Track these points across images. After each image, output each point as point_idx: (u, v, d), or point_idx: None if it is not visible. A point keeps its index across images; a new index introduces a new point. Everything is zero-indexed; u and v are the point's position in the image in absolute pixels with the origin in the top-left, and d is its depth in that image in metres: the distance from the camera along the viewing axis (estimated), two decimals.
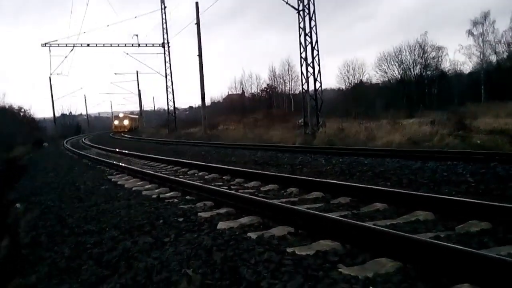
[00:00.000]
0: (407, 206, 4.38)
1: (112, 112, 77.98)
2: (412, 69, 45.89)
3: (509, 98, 29.06)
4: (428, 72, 45.79)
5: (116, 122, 69.83)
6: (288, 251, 3.16)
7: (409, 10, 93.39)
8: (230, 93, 68.06)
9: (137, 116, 68.42)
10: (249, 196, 5.18)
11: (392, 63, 46.38)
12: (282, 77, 58.61)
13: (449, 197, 4.47)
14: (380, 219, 4.13)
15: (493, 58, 45.58)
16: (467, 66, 51.05)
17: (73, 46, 35.01)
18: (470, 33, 45.52)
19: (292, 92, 55.39)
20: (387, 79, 47.06)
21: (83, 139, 39.37)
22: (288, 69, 57.42)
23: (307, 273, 2.67)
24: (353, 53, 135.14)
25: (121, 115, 71.91)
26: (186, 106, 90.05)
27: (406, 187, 5.90)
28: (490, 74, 42.30)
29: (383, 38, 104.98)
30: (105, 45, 35.72)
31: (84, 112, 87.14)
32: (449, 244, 2.72)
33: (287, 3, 20.81)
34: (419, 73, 45.70)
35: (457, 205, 4.05)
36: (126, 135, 47.32)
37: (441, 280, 2.47)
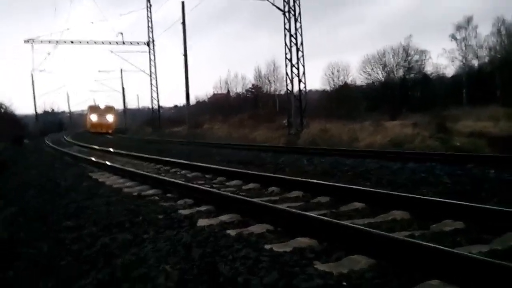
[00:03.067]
0: (384, 205, 4.47)
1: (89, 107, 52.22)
2: (395, 72, 46.37)
3: (489, 102, 29.62)
4: (411, 75, 46.33)
5: (94, 118, 48.10)
6: (266, 248, 3.21)
7: (396, 15, 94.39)
8: (215, 92, 67.89)
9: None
10: (229, 194, 5.22)
11: (376, 65, 46.79)
12: (268, 78, 58.67)
13: (425, 197, 4.57)
14: (358, 218, 4.21)
15: (475, 63, 46.39)
16: (449, 69, 51.79)
17: (57, 43, 34.59)
18: (453, 37, 46.24)
19: (277, 92, 55.57)
20: (371, 81, 47.47)
21: (64, 136, 38.87)
22: (274, 70, 57.49)
23: (283, 269, 2.72)
24: (339, 56, 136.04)
25: (102, 106, 50.05)
26: (171, 105, 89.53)
27: (385, 187, 5.99)
28: (472, 78, 43.03)
29: (369, 42, 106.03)
30: (89, 42, 35.40)
31: (67, 110, 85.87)
32: (421, 242, 2.80)
33: (273, 4, 20.92)
34: (402, 76, 46.22)
35: (433, 205, 4.15)
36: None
37: (413, 276, 2.54)
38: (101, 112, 48.39)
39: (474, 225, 3.67)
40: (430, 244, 2.71)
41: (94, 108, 50.17)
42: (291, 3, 20.74)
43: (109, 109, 49.51)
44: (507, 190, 5.29)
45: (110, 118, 48.19)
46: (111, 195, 6.17)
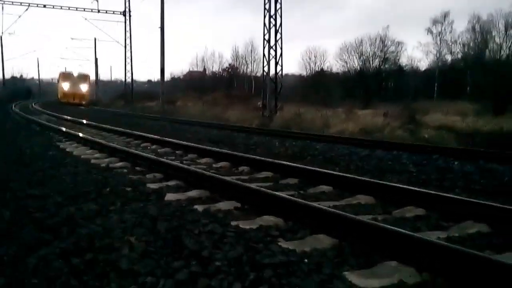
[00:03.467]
0: (351, 190, 4.57)
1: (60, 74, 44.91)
2: (371, 61, 46.92)
3: (459, 98, 30.37)
4: (386, 66, 46.98)
5: (66, 87, 42.20)
6: (232, 224, 3.24)
7: (377, 4, 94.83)
8: (191, 69, 66.98)
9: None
10: (198, 170, 5.22)
11: (353, 53, 47.19)
12: (245, 58, 58.40)
13: (389, 183, 4.69)
14: (324, 200, 4.29)
15: (449, 58, 47.37)
16: (423, 63, 52.78)
17: (28, 6, 33.28)
18: (429, 30, 46.97)
19: (254, 74, 55.39)
20: (347, 69, 47.91)
21: (33, 104, 37.70)
22: (251, 51, 57.26)
23: (248, 245, 2.76)
24: (317, 41, 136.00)
25: (75, 74, 44.25)
26: (145, 79, 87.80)
27: (353, 172, 6.11)
28: (444, 73, 43.96)
29: (349, 30, 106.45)
30: (62, 7, 34.21)
31: (36, 77, 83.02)
32: (381, 225, 2.89)
33: None
34: (377, 66, 46.79)
35: (397, 192, 4.28)
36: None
37: (373, 257, 2.62)
38: (75, 80, 42.44)
39: (435, 212, 3.80)
40: (390, 227, 2.80)
41: (66, 76, 43.69)
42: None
43: (83, 77, 43.90)
44: (469, 180, 5.49)
45: (84, 87, 42.64)
46: (78, 165, 6.07)
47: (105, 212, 3.79)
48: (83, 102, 40.44)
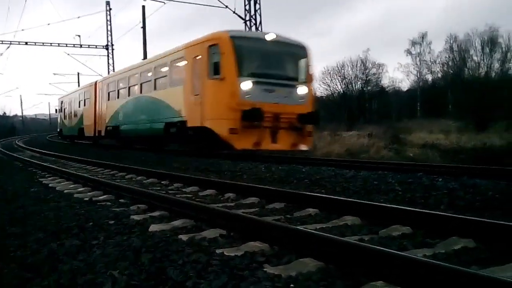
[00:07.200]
0: (337, 211, 4.56)
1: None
2: (353, 84, 47.68)
3: (442, 115, 30.90)
4: (369, 88, 47.78)
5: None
6: (217, 252, 3.20)
7: (363, 28, 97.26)
8: None
9: None
10: (183, 199, 5.17)
11: (335, 77, 47.94)
12: None
13: (375, 203, 4.70)
14: (311, 223, 4.27)
15: (429, 77, 48.42)
16: (405, 83, 53.82)
17: (10, 43, 33.33)
18: (408, 52, 48.12)
19: None
20: (330, 92, 48.56)
21: (16, 141, 37.27)
22: None
23: (233, 272, 2.71)
24: None
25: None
26: None
27: (339, 194, 6.11)
28: (426, 92, 44.82)
29: (335, 53, 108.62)
30: (44, 44, 34.32)
31: (19, 113, 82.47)
32: (366, 245, 2.87)
33: (234, 12, 21.00)
34: (360, 88, 47.54)
35: (382, 211, 4.27)
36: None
37: (359, 278, 2.60)
38: None
39: (421, 230, 3.80)
40: (375, 247, 2.78)
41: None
42: (252, 12, 20.97)
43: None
44: (453, 197, 5.52)
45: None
46: (61, 200, 5.97)
47: (88, 247, 3.71)
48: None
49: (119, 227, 4.15)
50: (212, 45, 12.15)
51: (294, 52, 12.89)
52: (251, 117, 11.30)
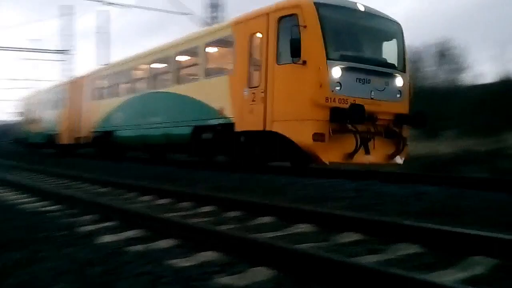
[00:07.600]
0: (292, 219, 4.61)
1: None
2: None
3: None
4: None
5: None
6: (171, 262, 3.15)
7: None
8: None
9: None
10: (136, 210, 5.08)
11: None
12: None
13: (328, 211, 4.78)
14: (266, 231, 4.29)
15: None
16: None
17: None
18: None
19: None
20: None
21: None
22: None
23: (187, 283, 2.68)
24: None
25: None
26: None
27: (296, 202, 6.17)
28: None
29: None
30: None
31: None
32: (315, 252, 2.93)
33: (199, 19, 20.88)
34: None
35: (335, 219, 4.37)
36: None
37: (310, 285, 2.63)
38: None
39: (372, 236, 3.90)
40: (324, 255, 2.83)
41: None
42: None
43: None
44: (405, 203, 5.69)
45: None
46: (6, 211, 5.72)
47: (36, 260, 3.57)
48: None
49: (69, 239, 4.02)
50: (284, 16, 9.01)
51: (388, 30, 9.81)
52: (349, 117, 8.31)
